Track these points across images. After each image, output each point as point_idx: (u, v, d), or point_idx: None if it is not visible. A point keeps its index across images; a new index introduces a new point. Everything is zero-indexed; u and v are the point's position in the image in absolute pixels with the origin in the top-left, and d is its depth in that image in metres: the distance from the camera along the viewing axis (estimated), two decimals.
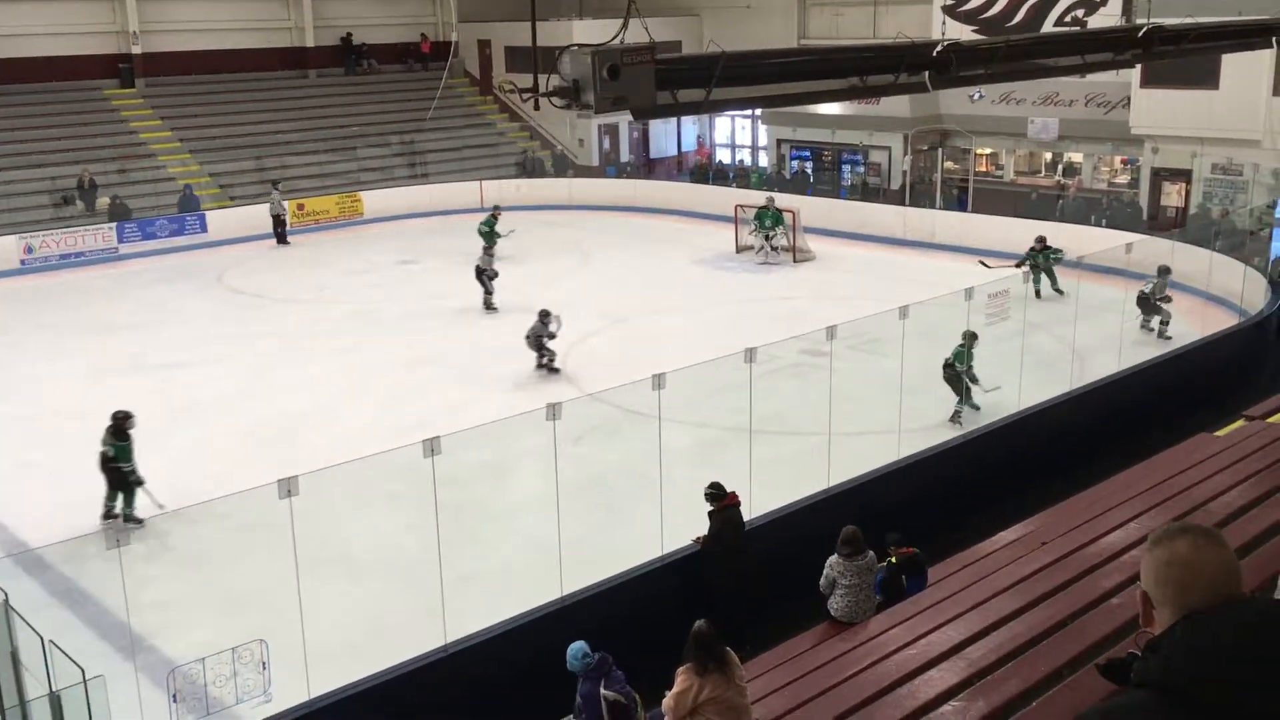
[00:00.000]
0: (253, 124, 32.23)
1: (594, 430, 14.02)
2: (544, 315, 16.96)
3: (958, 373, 14.54)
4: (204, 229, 28.11)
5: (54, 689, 5.34)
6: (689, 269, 24.55)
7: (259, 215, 28.45)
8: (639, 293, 22.52)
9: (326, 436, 14.57)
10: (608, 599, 9.03)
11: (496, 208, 25.45)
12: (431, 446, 8.81)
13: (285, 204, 28.38)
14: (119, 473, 12.18)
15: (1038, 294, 20.68)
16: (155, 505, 11.62)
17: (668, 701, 6.51)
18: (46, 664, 5.39)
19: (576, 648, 7.37)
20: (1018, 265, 20.85)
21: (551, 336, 16.96)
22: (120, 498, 12.20)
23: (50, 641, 5.36)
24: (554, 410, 9.34)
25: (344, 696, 7.72)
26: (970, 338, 14.44)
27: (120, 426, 12.39)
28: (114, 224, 27.26)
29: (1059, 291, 20.76)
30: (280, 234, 27.97)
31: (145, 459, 14.10)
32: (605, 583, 9.23)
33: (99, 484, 13.08)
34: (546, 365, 17.05)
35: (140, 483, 12.13)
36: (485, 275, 21.13)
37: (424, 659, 8.22)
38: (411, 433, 13.03)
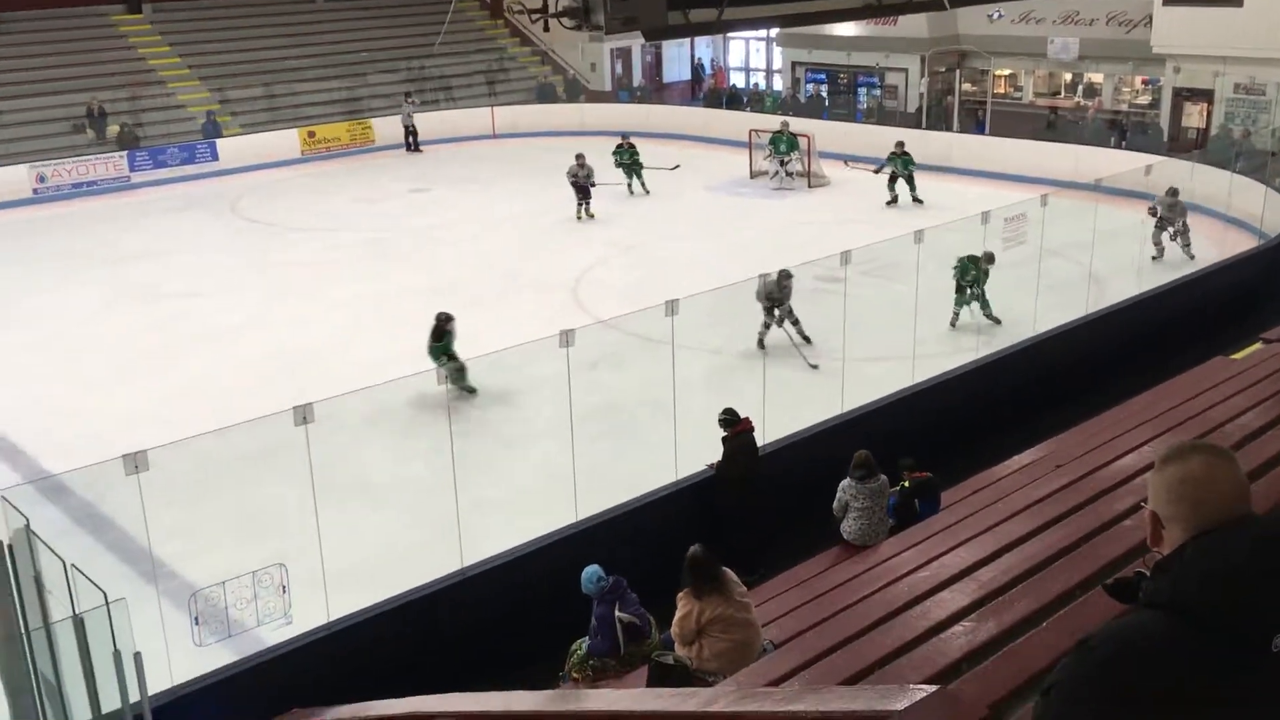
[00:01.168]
0: (262, 50, 31.91)
1: (607, 357, 14.03)
2: (784, 276, 14.20)
3: (962, 286, 14.75)
4: (215, 157, 27.98)
5: (77, 612, 5.44)
6: (702, 195, 24.37)
7: (270, 143, 28.32)
8: (651, 219, 22.40)
9: (342, 364, 14.61)
10: (622, 524, 9.11)
11: (625, 136, 24.78)
12: (445, 374, 8.87)
13: (415, 115, 29.85)
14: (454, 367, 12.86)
15: (892, 201, 21.68)
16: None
17: (674, 628, 6.60)
18: (69, 588, 5.48)
19: (591, 571, 7.45)
20: (876, 171, 21.47)
21: (778, 303, 14.22)
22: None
23: (72, 565, 5.44)
24: (567, 337, 9.34)
25: (364, 619, 7.84)
26: (986, 259, 14.40)
27: (440, 328, 13.23)
28: (125, 152, 27.16)
29: (917, 201, 21.57)
30: (411, 143, 29.60)
31: (163, 388, 14.25)
32: (620, 508, 9.30)
33: (115, 411, 13.23)
34: (795, 332, 14.21)
35: (462, 369, 12.97)
36: (591, 182, 21.62)
37: (441, 582, 8.33)
38: (427, 361, 13.18)
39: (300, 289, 18.48)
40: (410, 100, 30.09)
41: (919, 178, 22.23)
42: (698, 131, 30.18)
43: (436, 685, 6.71)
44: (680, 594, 6.53)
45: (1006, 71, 30.38)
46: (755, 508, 9.57)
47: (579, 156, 21.88)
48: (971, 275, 14.68)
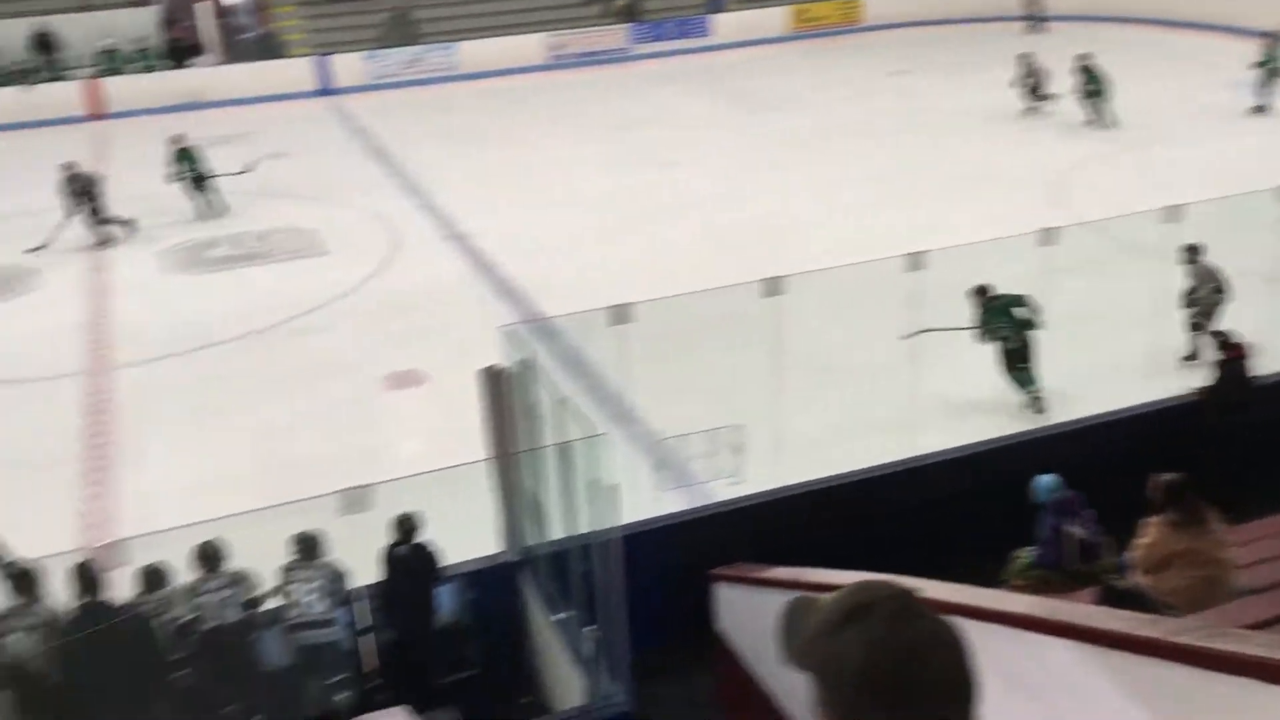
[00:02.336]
0: None
1: (1087, 263, 13.12)
2: None
3: None
4: (708, 32, 28.91)
5: (565, 440, 6.04)
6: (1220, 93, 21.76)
7: (761, 20, 28.81)
8: (1153, 115, 20.37)
9: (814, 240, 14.87)
10: (1090, 436, 8.60)
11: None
12: (915, 261, 8.70)
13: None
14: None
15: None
16: None
17: (1137, 553, 6.18)
18: (559, 419, 6.09)
19: (1048, 481, 7.14)
20: None
21: None
22: None
23: (565, 399, 6.03)
24: (1048, 235, 8.84)
25: (806, 490, 8.04)
26: None
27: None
28: (628, 25, 28.77)
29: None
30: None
31: (647, 247, 15.22)
32: (1087, 420, 8.78)
33: (606, 264, 14.35)
34: None
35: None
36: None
37: (885, 468, 8.35)
38: (898, 245, 13.02)
39: (778, 164, 18.88)
40: None
41: None
42: None
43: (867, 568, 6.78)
44: (1149, 520, 6.10)
45: None
46: (1242, 441, 8.67)
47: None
48: None
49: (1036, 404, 10.03)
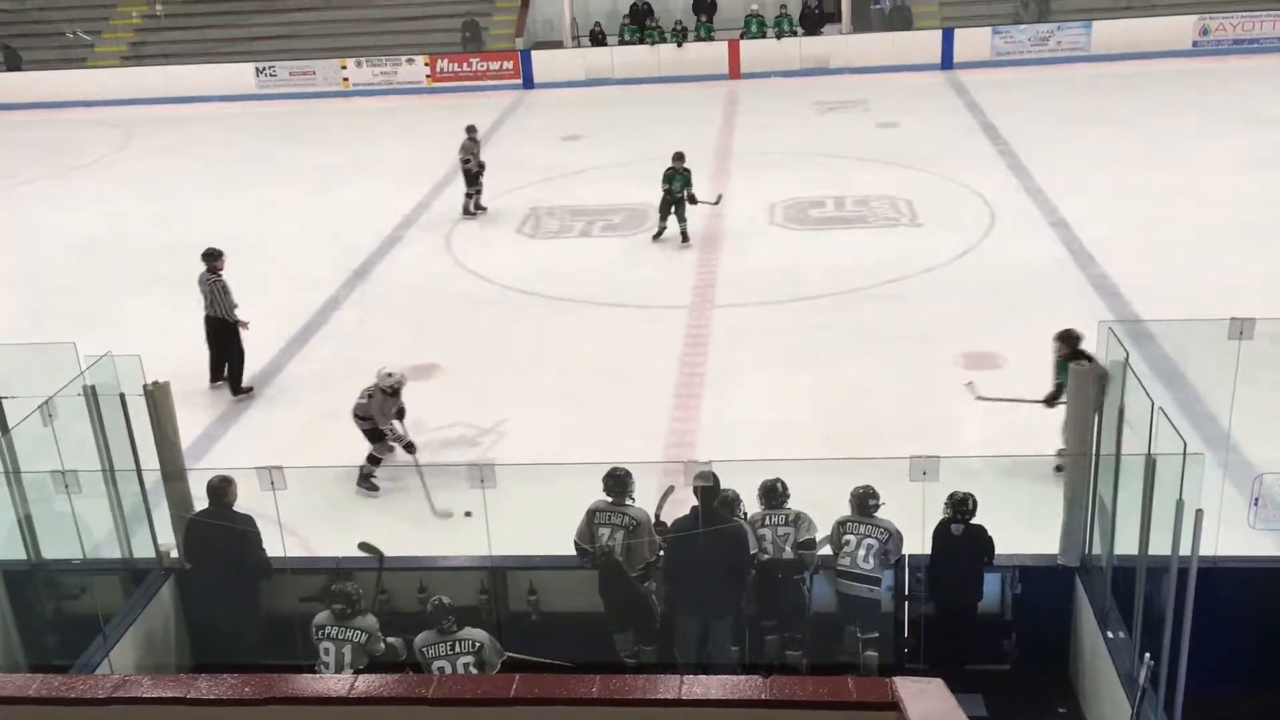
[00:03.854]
0: None
1: None
2: None
3: None
4: None
5: (1152, 452, 5.65)
6: None
7: None
8: None
9: None
10: None
11: None
12: None
13: None
14: None
15: None
16: None
17: None
18: (1151, 427, 5.69)
19: None
20: None
21: None
22: None
23: (1160, 408, 5.63)
24: None
25: None
26: None
27: None
28: None
29: None
30: None
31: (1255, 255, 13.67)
32: None
33: (1230, 271, 13.10)
34: None
35: None
36: None
37: None
38: None
39: None
40: None
41: None
42: None
43: None
44: None
45: None
46: None
47: None
48: None
49: None
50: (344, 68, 28.12)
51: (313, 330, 13.59)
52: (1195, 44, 25.73)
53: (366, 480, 9.87)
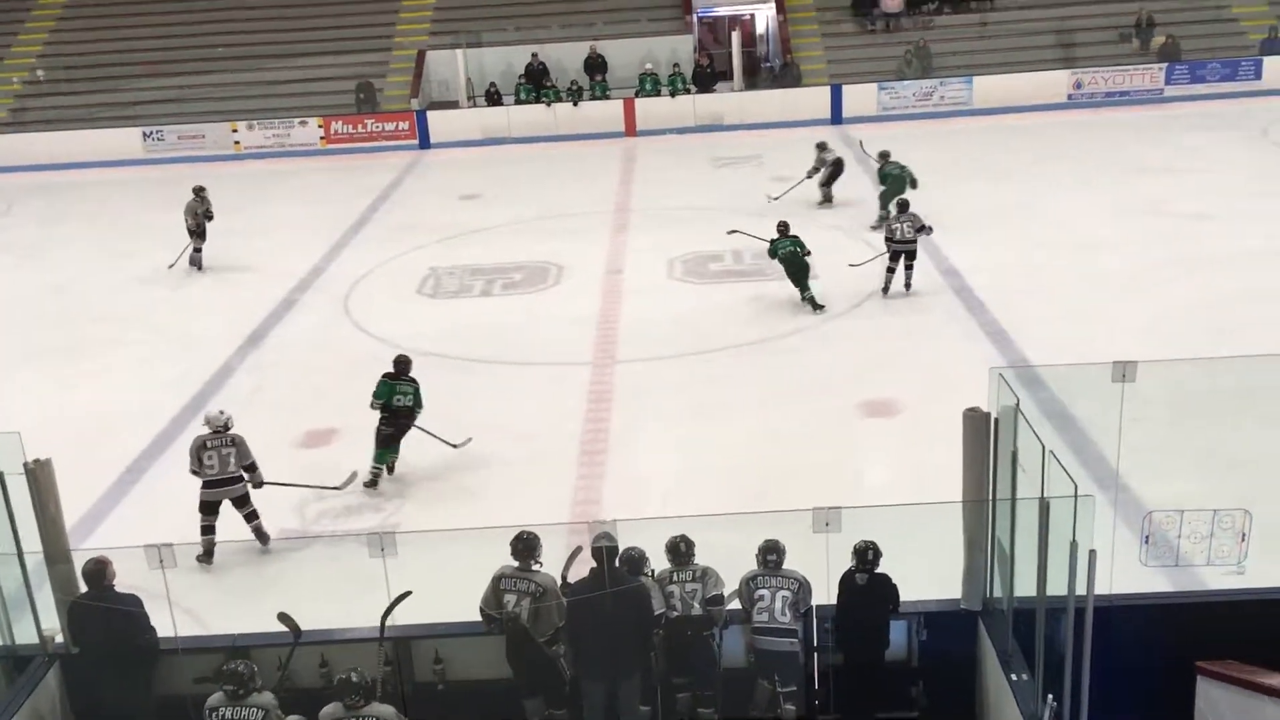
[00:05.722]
0: None
1: None
2: None
3: None
4: (1259, 76, 26.24)
5: (1045, 495, 5.78)
6: None
7: None
8: None
9: None
10: None
11: None
12: None
13: None
14: None
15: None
16: None
17: None
18: (1043, 470, 5.83)
19: None
20: None
21: None
22: None
23: (1050, 452, 5.77)
24: None
25: None
26: None
27: None
28: (1164, 64, 26.81)
29: None
30: None
31: (1153, 304, 14.19)
32: None
33: (1110, 318, 13.53)
34: None
35: None
36: None
37: None
38: None
39: None
40: None
41: None
42: None
43: None
44: None
45: None
46: None
47: None
48: None
49: None
50: (235, 130, 27.78)
51: (206, 398, 13.24)
52: (1070, 97, 26.84)
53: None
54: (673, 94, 28.07)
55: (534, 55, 28.57)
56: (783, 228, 15.34)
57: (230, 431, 9.62)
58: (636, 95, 28.21)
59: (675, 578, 7.06)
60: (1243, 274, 14.98)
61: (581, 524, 8.69)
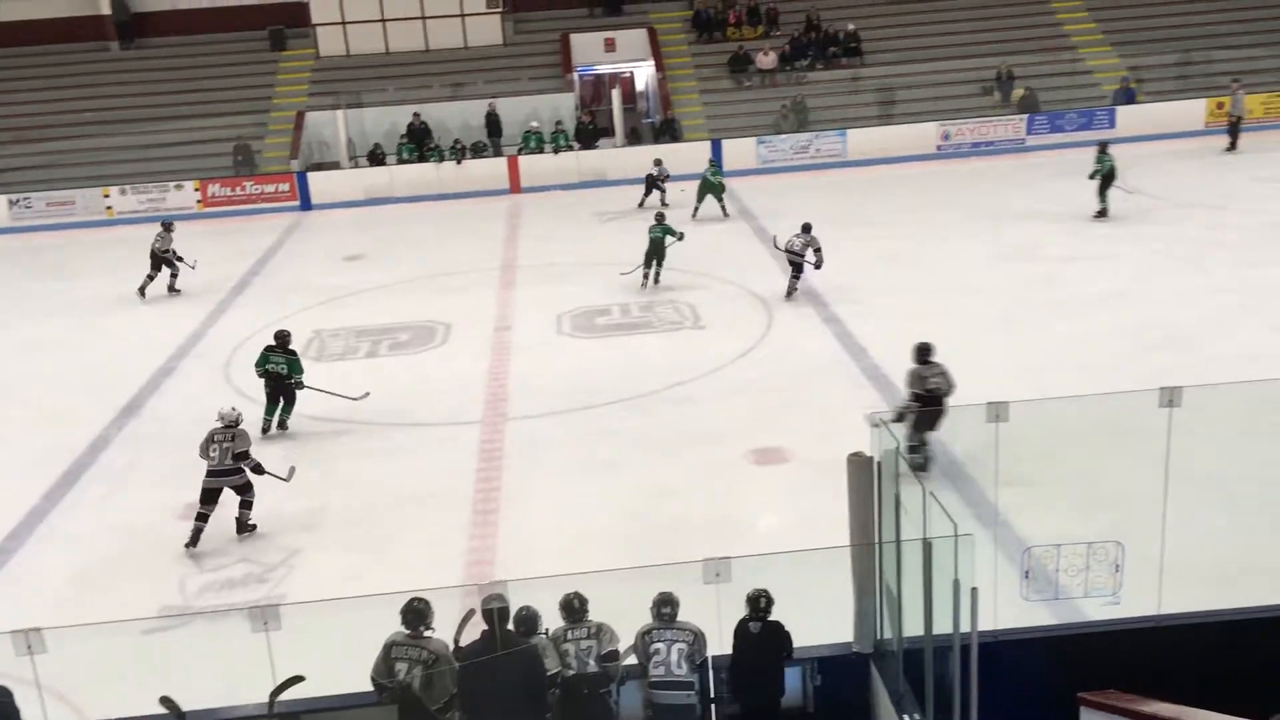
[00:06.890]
0: (1180, 15, 30.47)
1: None
2: None
3: None
4: (1113, 124, 27.57)
5: (927, 535, 5.92)
6: None
7: (1170, 113, 27.21)
8: None
9: (1215, 351, 13.75)
10: None
11: None
12: None
13: (1242, 104, 26.29)
14: None
15: None
16: None
17: None
18: (924, 513, 5.98)
19: None
20: None
21: None
22: None
23: (930, 494, 5.91)
24: None
25: (1201, 621, 7.37)
26: None
27: None
28: (1025, 116, 28.02)
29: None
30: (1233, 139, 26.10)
31: (1028, 345, 14.66)
32: None
33: (982, 360, 13.94)
34: None
35: None
36: None
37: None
38: None
39: (1180, 266, 17.63)
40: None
41: None
42: None
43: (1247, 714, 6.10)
44: None
45: None
46: None
47: None
48: None
49: None
50: (107, 196, 27.06)
51: (78, 473, 12.76)
52: (939, 148, 27.85)
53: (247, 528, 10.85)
54: (556, 150, 28.28)
55: (416, 115, 28.54)
56: (659, 217, 18.80)
57: (239, 427, 10.83)
58: (520, 152, 28.35)
59: (570, 635, 7.00)
60: (1109, 313, 15.64)
61: (473, 585, 8.58)
